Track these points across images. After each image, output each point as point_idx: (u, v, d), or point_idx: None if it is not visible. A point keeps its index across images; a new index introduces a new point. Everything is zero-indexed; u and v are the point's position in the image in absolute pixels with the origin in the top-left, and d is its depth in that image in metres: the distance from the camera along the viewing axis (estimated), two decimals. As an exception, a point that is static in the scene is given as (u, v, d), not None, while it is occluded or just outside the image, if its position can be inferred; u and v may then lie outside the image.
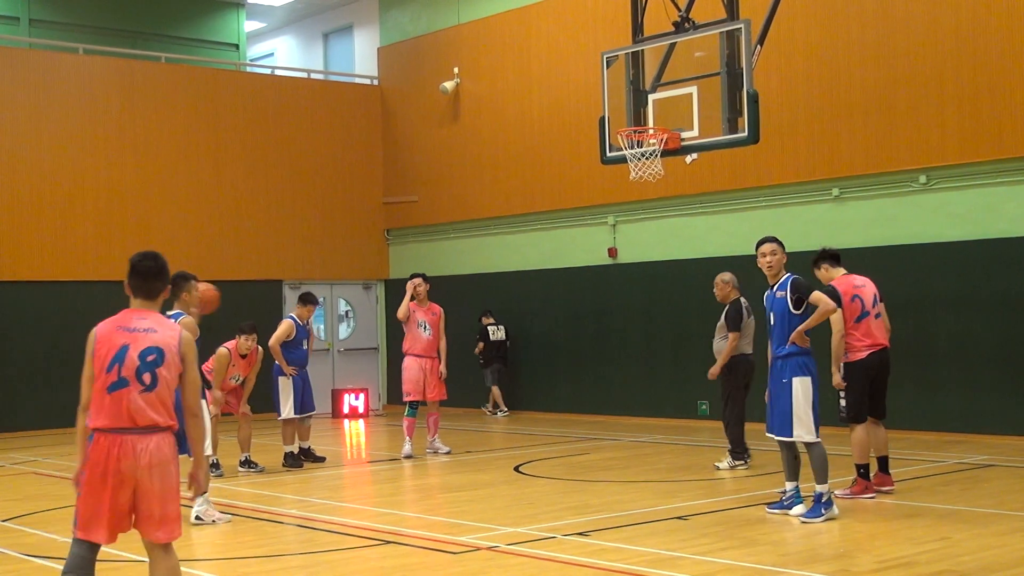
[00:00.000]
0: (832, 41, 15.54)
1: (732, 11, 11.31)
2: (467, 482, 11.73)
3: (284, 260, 20.99)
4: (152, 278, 5.62)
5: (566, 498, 10.44)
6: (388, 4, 22.37)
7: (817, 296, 8.98)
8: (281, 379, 13.04)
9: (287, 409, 13.00)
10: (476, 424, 18.31)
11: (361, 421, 19.72)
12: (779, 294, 9.06)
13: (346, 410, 20.24)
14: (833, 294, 9.44)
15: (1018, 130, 13.89)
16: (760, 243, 9.22)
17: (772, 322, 9.11)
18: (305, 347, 13.36)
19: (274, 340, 13.04)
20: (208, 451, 9.32)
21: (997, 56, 14.06)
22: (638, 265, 17.91)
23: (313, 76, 22.49)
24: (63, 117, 18.93)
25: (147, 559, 5.55)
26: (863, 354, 9.86)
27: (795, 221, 15.58)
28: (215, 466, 12.05)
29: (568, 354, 18.96)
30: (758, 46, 11.30)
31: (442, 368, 13.77)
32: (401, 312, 13.75)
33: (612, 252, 18.27)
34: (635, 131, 11.72)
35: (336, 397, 20.46)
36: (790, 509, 9.05)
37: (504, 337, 19.53)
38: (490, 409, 19.50)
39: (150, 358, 5.46)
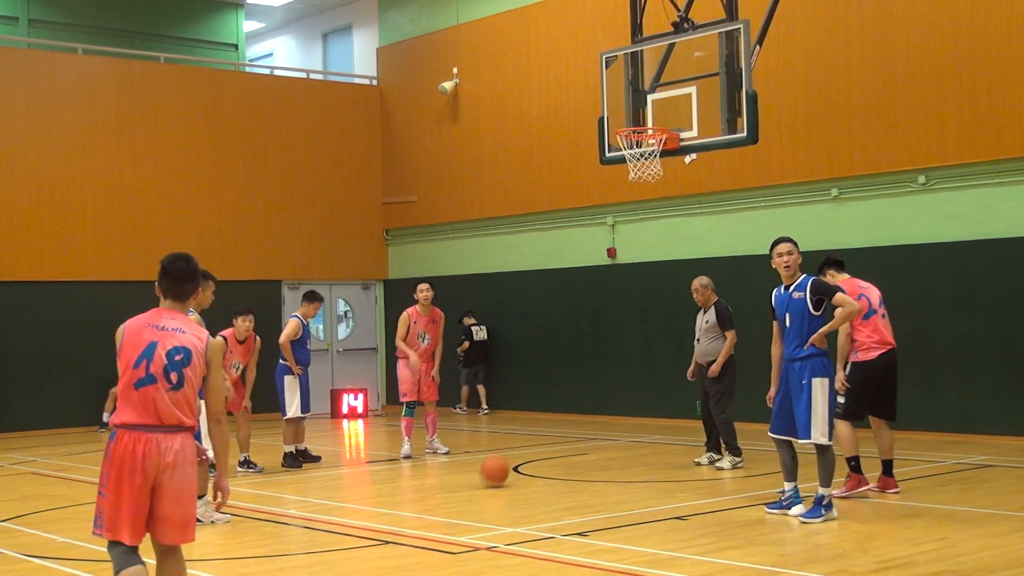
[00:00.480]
0: (831, 42, 15.55)
1: (731, 11, 11.31)
2: (466, 482, 11.72)
3: (283, 260, 20.99)
4: (183, 280, 5.61)
5: (565, 498, 10.44)
6: (387, 4, 22.37)
7: (841, 298, 8.96)
8: (287, 378, 13.03)
9: (293, 408, 12.98)
10: (475, 424, 18.32)
11: (360, 421, 19.73)
12: (796, 295, 9.01)
13: (345, 410, 20.25)
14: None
15: (1017, 130, 13.90)
16: (776, 243, 9.20)
17: (788, 323, 9.05)
18: (309, 346, 13.37)
19: (284, 337, 13.05)
20: (209, 452, 9.27)
21: (996, 56, 14.06)
22: (637, 265, 17.91)
23: (312, 76, 22.49)
24: (62, 117, 18.93)
25: (148, 560, 5.52)
26: (873, 354, 9.85)
27: (794, 221, 15.58)
28: (214, 466, 12.03)
29: (567, 354, 18.96)
30: (757, 46, 11.30)
31: (434, 373, 13.82)
32: (401, 350, 13.73)
33: (611, 252, 18.27)
34: (634, 131, 11.72)
35: (335, 397, 20.46)
36: (789, 509, 9.05)
37: (486, 337, 19.71)
38: (463, 408, 19.83)
39: (177, 357, 5.42)
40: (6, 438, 17.40)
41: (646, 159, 11.63)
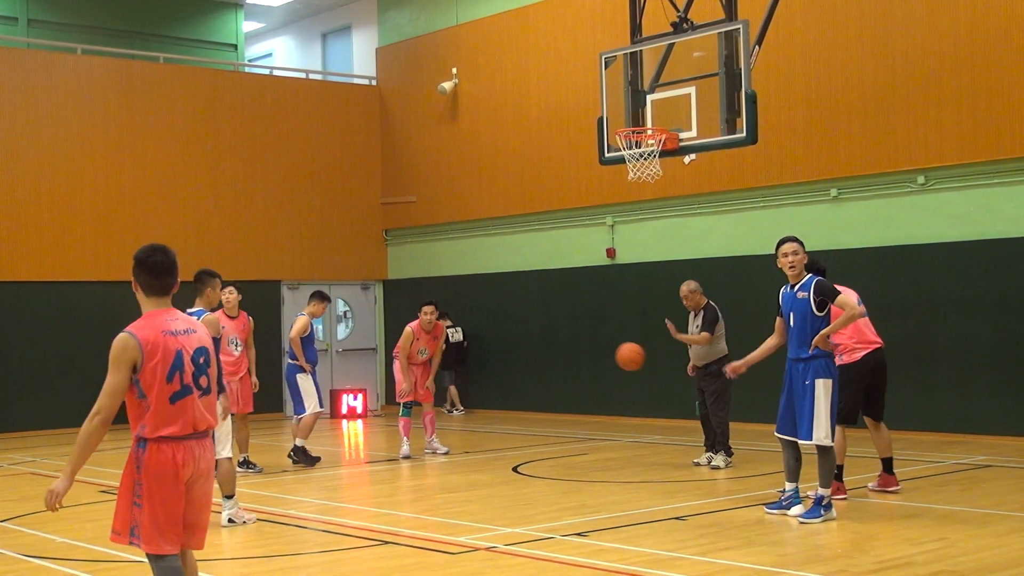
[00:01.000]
0: (830, 42, 15.55)
1: (730, 12, 11.32)
2: (465, 482, 11.73)
3: (282, 260, 20.99)
4: (165, 274, 5.25)
5: (564, 498, 10.45)
6: (386, 4, 22.37)
7: (843, 300, 8.96)
8: (299, 376, 13.05)
9: (312, 404, 13.01)
10: (474, 424, 18.32)
11: (359, 421, 19.73)
12: (800, 295, 9.01)
13: (344, 410, 20.24)
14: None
15: (1016, 131, 13.90)
16: (781, 243, 9.19)
17: (792, 323, 9.05)
18: (316, 346, 13.40)
19: (294, 333, 13.08)
20: (227, 452, 9.27)
21: (995, 57, 14.07)
22: (636, 265, 17.92)
23: (311, 76, 22.49)
24: (61, 117, 18.93)
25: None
26: (858, 355, 9.85)
27: (793, 221, 15.58)
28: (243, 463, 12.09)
29: (566, 354, 18.96)
30: (756, 47, 11.31)
31: (429, 383, 13.95)
32: (403, 388, 13.75)
33: (610, 252, 18.28)
34: (633, 131, 11.72)
35: (334, 397, 20.45)
36: (788, 509, 9.06)
37: (462, 339, 19.76)
38: (448, 408, 19.89)
39: (201, 360, 5.25)
40: (6, 438, 17.40)
41: (645, 159, 11.63)
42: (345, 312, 22.13)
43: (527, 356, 19.61)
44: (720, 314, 12.28)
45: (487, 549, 8.13)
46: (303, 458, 13.02)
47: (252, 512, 9.61)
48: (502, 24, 19.94)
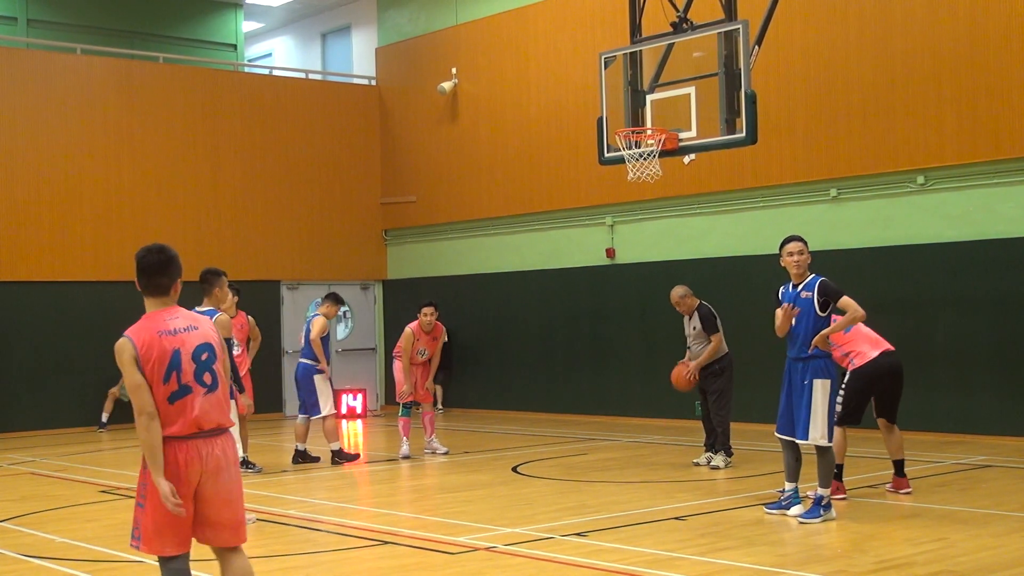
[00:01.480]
0: (830, 42, 15.55)
1: (730, 12, 11.32)
2: (465, 482, 11.73)
3: (282, 260, 20.99)
4: (157, 274, 5.24)
5: (564, 498, 10.45)
6: (386, 4, 22.37)
7: (846, 301, 8.95)
8: (317, 377, 13.09)
9: (328, 406, 13.06)
10: (474, 424, 18.31)
11: (359, 421, 19.72)
12: (804, 294, 9.00)
13: (344, 410, 20.23)
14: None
15: (1015, 131, 13.91)
16: (785, 242, 9.19)
17: (794, 322, 9.03)
18: (329, 347, 13.43)
19: (315, 334, 13.13)
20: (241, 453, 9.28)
21: (995, 57, 14.07)
22: (636, 266, 17.92)
23: (311, 76, 22.49)
24: (61, 117, 18.93)
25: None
26: (870, 357, 9.81)
27: (793, 222, 15.57)
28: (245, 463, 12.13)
29: (566, 354, 18.96)
30: (756, 47, 11.31)
31: (429, 384, 13.98)
32: (404, 390, 13.77)
33: (610, 252, 18.28)
34: (633, 131, 11.73)
35: (334, 398, 20.41)
36: (788, 509, 9.06)
37: (447, 339, 19.79)
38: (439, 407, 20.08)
39: (204, 356, 5.21)
40: (5, 438, 17.39)
41: (645, 159, 11.64)
42: (345, 312, 22.11)
43: (527, 356, 19.61)
44: (715, 311, 12.27)
45: (487, 549, 8.14)
46: (340, 458, 13.13)
47: (252, 512, 9.60)
48: (502, 24, 19.94)
